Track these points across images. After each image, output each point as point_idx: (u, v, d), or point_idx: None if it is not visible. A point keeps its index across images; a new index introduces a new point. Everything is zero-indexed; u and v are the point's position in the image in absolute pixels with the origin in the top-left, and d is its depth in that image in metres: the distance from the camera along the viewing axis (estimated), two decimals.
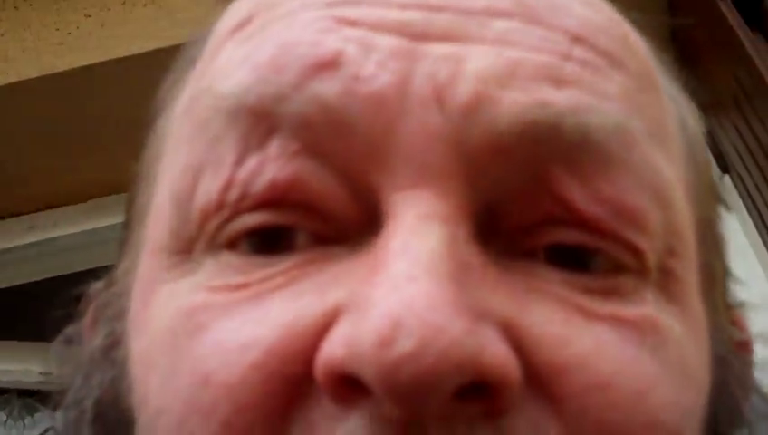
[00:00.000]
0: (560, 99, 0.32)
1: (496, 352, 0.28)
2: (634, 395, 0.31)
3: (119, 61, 1.58)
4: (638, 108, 0.35)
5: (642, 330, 0.32)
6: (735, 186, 1.53)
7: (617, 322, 0.32)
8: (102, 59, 1.58)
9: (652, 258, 0.33)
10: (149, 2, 1.62)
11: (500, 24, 0.33)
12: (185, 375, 0.31)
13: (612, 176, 0.33)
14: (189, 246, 0.34)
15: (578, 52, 0.34)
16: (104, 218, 1.68)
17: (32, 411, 1.98)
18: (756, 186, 1.42)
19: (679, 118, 0.40)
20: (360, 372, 0.28)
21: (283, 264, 0.32)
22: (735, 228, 1.52)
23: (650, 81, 0.37)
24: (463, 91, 0.31)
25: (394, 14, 0.33)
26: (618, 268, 0.33)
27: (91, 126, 1.62)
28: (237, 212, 0.33)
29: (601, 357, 0.31)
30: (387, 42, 0.32)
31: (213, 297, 0.32)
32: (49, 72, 1.59)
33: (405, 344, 0.27)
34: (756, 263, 1.47)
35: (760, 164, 1.37)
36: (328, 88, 0.32)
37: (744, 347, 0.42)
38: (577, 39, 0.34)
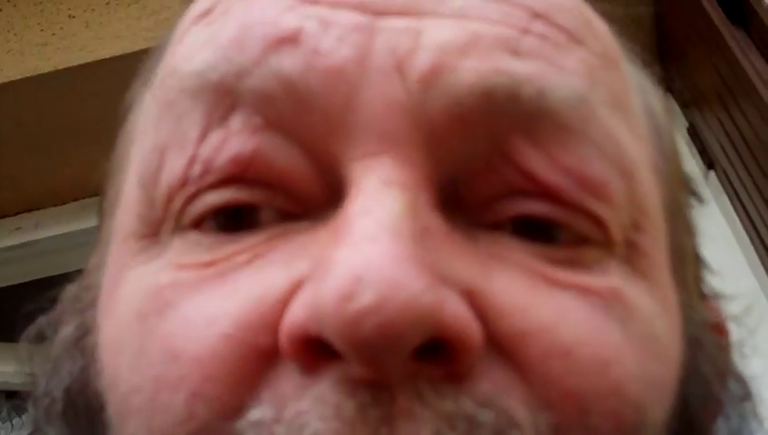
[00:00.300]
0: (518, 67, 0.32)
1: (456, 311, 0.28)
2: (597, 363, 0.31)
3: (103, 61, 1.57)
4: (599, 82, 0.35)
5: (607, 300, 0.32)
6: (720, 180, 1.53)
7: (581, 291, 0.32)
8: (87, 60, 1.58)
9: (617, 231, 0.34)
10: (133, 2, 1.62)
11: (459, 0, 0.34)
12: (154, 353, 0.32)
13: (572, 146, 0.33)
14: (156, 228, 0.35)
15: (537, 27, 0.34)
16: (88, 220, 1.68)
17: (20, 412, 1.97)
18: (741, 180, 1.42)
19: (644, 102, 0.40)
20: (323, 330, 0.28)
21: (249, 240, 0.32)
22: (720, 222, 1.52)
23: (612, 60, 0.37)
24: (422, 61, 0.32)
25: None
26: (582, 240, 0.33)
27: (75, 127, 1.62)
28: (201, 189, 0.33)
29: (565, 324, 0.31)
30: (346, 17, 0.33)
31: (180, 275, 0.33)
32: (33, 74, 1.58)
33: (364, 298, 0.27)
34: (741, 257, 1.48)
35: (744, 158, 1.38)
36: (288, 63, 0.32)
37: (718, 329, 0.42)
38: (537, 15, 0.34)
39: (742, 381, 0.43)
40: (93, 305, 0.38)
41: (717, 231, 1.51)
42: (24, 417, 1.96)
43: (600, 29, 0.37)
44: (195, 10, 0.37)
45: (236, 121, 0.33)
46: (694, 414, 0.38)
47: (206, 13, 0.36)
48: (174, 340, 0.31)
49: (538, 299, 0.31)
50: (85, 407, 0.37)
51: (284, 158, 0.32)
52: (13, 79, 1.58)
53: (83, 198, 1.73)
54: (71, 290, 0.43)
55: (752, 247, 1.45)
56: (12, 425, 1.99)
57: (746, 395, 0.43)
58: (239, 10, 0.35)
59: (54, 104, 1.62)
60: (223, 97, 0.33)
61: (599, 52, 0.36)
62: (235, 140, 0.32)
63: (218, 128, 0.33)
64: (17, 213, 1.81)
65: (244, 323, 0.30)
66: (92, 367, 0.37)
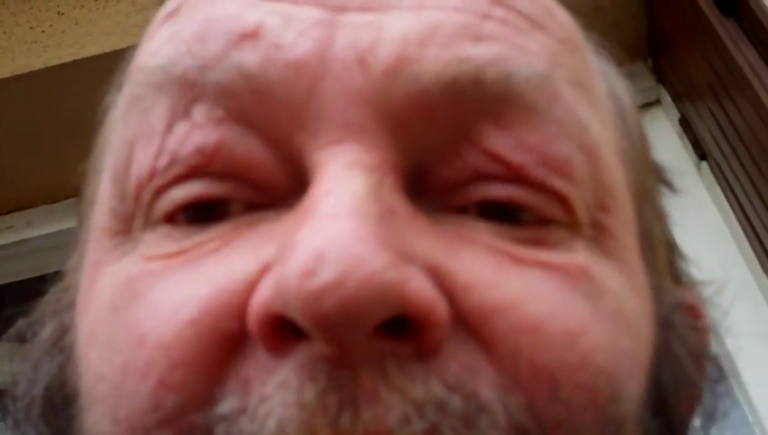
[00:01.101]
0: (480, 52, 0.33)
1: (420, 286, 0.28)
2: (565, 336, 0.31)
3: (93, 58, 1.57)
4: (561, 64, 0.35)
5: (573, 276, 0.32)
6: (713, 172, 1.54)
7: (547, 267, 0.32)
8: (76, 57, 1.57)
9: (582, 211, 0.34)
10: None
11: None
12: (121, 340, 0.32)
13: (536, 125, 0.33)
14: (128, 224, 0.35)
15: (497, 12, 0.34)
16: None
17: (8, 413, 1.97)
18: (733, 171, 1.42)
19: (609, 89, 0.40)
20: (287, 308, 0.28)
21: (217, 230, 0.33)
22: (713, 213, 1.53)
23: (573, 45, 0.37)
24: (385, 53, 0.32)
25: None
26: (547, 221, 0.33)
27: (66, 124, 1.61)
28: (169, 182, 0.33)
29: (531, 299, 0.31)
30: (307, 13, 0.33)
31: (149, 266, 0.33)
32: (23, 72, 1.58)
33: (326, 274, 0.27)
34: (734, 248, 1.48)
35: (736, 150, 1.38)
36: (249, 57, 0.33)
37: (693, 312, 0.42)
38: (496, 1, 0.35)
39: (716, 362, 0.43)
40: (72, 305, 0.39)
41: (710, 222, 1.52)
42: (10, 424, 1.95)
43: (561, 17, 0.38)
44: (164, 11, 0.38)
45: (199, 113, 0.33)
46: (667, 395, 0.38)
47: (174, 12, 0.37)
48: (141, 326, 0.31)
49: (504, 276, 0.31)
50: (63, 406, 0.37)
51: (248, 149, 0.33)
52: (2, 77, 1.57)
53: (75, 196, 1.72)
54: (51, 292, 0.43)
55: (744, 238, 1.45)
56: (6, 424, 1.98)
57: (721, 376, 0.43)
58: (203, 7, 0.35)
59: (45, 102, 1.61)
60: (186, 90, 0.33)
61: (560, 38, 0.36)
62: (199, 132, 0.33)
63: (182, 119, 0.33)
64: (8, 211, 1.80)
65: (211, 308, 0.30)
66: (70, 366, 0.37)
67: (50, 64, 1.57)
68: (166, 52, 0.35)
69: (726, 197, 1.50)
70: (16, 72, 1.58)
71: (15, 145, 1.68)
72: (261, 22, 0.33)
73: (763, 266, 1.38)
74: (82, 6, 1.64)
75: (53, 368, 0.39)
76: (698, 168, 1.57)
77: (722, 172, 1.49)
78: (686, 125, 1.60)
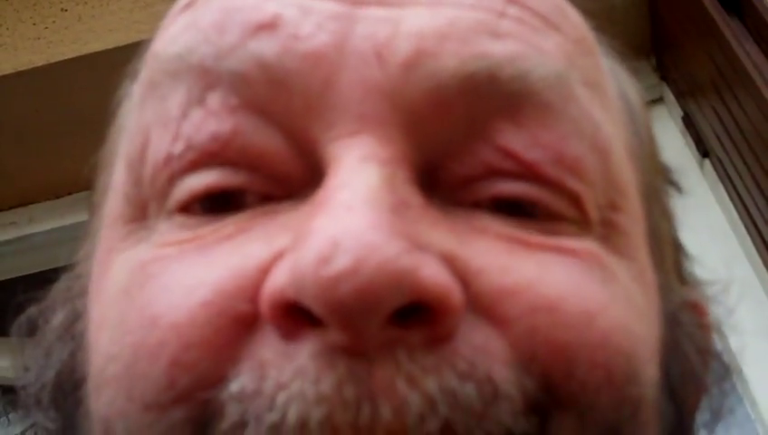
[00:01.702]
0: (497, 49, 0.33)
1: (434, 272, 0.29)
2: (583, 316, 0.31)
3: (96, 54, 1.57)
4: (576, 64, 0.35)
5: (587, 261, 0.33)
6: (715, 169, 1.53)
7: (561, 251, 0.33)
8: (80, 53, 1.57)
9: (592, 210, 0.34)
10: None
11: None
12: (133, 321, 0.32)
13: (551, 124, 0.33)
14: (143, 211, 0.35)
15: (513, 11, 0.34)
16: (83, 214, 1.67)
17: (16, 407, 1.97)
18: (736, 168, 1.42)
19: (619, 89, 0.41)
20: (302, 294, 0.28)
21: (233, 219, 0.33)
22: (716, 211, 1.53)
23: (587, 46, 0.37)
24: (403, 47, 0.32)
25: None
26: (558, 217, 0.33)
27: (69, 121, 1.61)
28: (184, 167, 0.33)
29: (547, 280, 0.31)
30: (325, 5, 0.33)
31: (163, 251, 0.33)
32: (26, 68, 1.58)
33: (342, 261, 0.27)
34: (737, 246, 1.48)
35: (739, 147, 1.38)
36: (266, 47, 0.33)
37: (698, 310, 0.42)
38: (512, 0, 0.35)
39: (722, 359, 0.44)
40: (84, 293, 0.39)
41: (713, 219, 1.52)
42: (20, 412, 1.95)
43: (574, 18, 0.38)
44: (180, 2, 0.38)
45: (213, 100, 0.33)
46: (676, 389, 0.38)
47: (191, 3, 0.37)
48: (153, 307, 0.31)
49: (518, 259, 0.32)
50: (73, 391, 0.38)
51: (263, 138, 0.33)
52: (6, 73, 1.57)
53: (77, 191, 1.73)
54: (62, 281, 0.43)
55: (747, 235, 1.45)
56: (8, 420, 1.98)
57: (727, 373, 0.44)
58: None
59: (48, 98, 1.61)
60: (202, 77, 0.34)
61: (574, 38, 0.36)
62: (214, 119, 0.33)
63: (197, 106, 0.34)
64: (11, 207, 1.80)
65: (224, 291, 0.30)
66: (81, 352, 0.37)
67: (53, 61, 1.57)
68: (183, 39, 0.35)
69: (729, 194, 1.49)
70: (20, 69, 1.58)
71: (18, 141, 1.68)
72: (279, 13, 0.33)
73: (765, 264, 1.38)
74: (86, 3, 1.64)
75: (65, 354, 0.39)
76: (701, 165, 1.57)
77: (725, 170, 1.49)
78: (689, 123, 1.60)
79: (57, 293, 0.43)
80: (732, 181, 1.47)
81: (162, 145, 0.34)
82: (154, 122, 0.35)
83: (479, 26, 0.33)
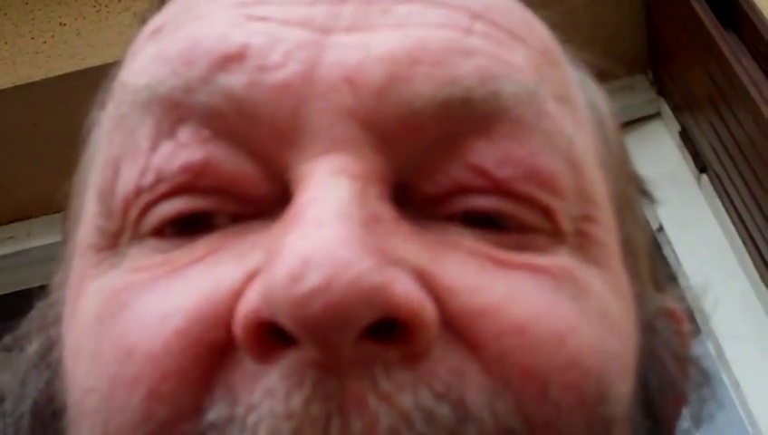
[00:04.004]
0: (469, 70, 0.33)
1: (406, 288, 0.29)
2: (552, 338, 0.31)
3: (95, 69, 1.57)
4: (545, 78, 0.35)
5: (558, 278, 0.33)
6: (713, 184, 1.53)
7: (531, 269, 0.33)
8: (78, 67, 1.57)
9: (565, 222, 0.34)
10: (124, 9, 1.61)
11: (402, 9, 0.34)
12: (108, 352, 0.32)
13: (523, 139, 0.34)
14: (115, 240, 0.35)
15: (479, 26, 0.35)
16: None
17: None
18: (733, 183, 1.42)
19: (587, 98, 0.41)
20: (275, 313, 0.28)
21: (204, 241, 0.33)
22: (713, 226, 1.53)
23: (553, 57, 0.38)
24: (374, 72, 0.32)
25: (301, 10, 0.34)
26: (530, 229, 0.34)
27: (67, 135, 1.61)
28: (155, 199, 0.33)
29: (516, 302, 0.31)
30: (294, 34, 0.33)
31: (135, 277, 0.33)
32: (24, 82, 1.58)
33: (313, 278, 0.27)
34: (734, 260, 1.48)
35: (736, 162, 1.38)
36: (234, 80, 0.33)
37: (674, 317, 0.42)
38: (477, 16, 0.35)
39: (701, 366, 0.44)
40: (58, 320, 0.39)
41: (710, 234, 1.52)
42: None
43: (539, 30, 0.38)
44: (148, 28, 0.38)
45: (185, 134, 0.33)
46: (653, 398, 0.38)
47: (157, 31, 0.37)
48: (128, 338, 0.31)
49: (489, 279, 0.31)
50: (52, 420, 0.37)
51: (234, 165, 0.33)
52: (4, 87, 1.57)
53: None
54: (37, 309, 0.43)
55: (744, 250, 1.45)
56: None
57: (706, 379, 0.44)
58: (188, 26, 0.35)
59: (46, 112, 1.61)
60: (171, 110, 0.33)
61: (540, 49, 0.37)
62: (185, 151, 0.33)
63: (168, 139, 0.33)
64: (9, 222, 1.80)
65: (197, 318, 0.30)
66: (57, 380, 0.37)
67: (51, 75, 1.57)
68: (150, 71, 0.35)
69: (726, 209, 1.49)
70: (18, 83, 1.58)
71: (16, 155, 1.67)
72: (246, 43, 0.33)
73: (763, 278, 1.38)
74: (84, 17, 1.64)
75: (41, 383, 0.39)
76: (698, 180, 1.57)
77: (722, 185, 1.49)
78: (686, 138, 1.60)
79: (31, 321, 0.43)
80: (729, 196, 1.47)
81: (131, 177, 0.34)
82: (123, 155, 0.35)
83: (448, 46, 0.33)
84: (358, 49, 0.33)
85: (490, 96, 0.33)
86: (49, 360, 0.39)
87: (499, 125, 0.33)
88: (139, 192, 0.34)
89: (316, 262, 0.27)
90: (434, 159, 0.33)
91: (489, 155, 0.33)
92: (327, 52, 0.33)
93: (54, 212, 1.78)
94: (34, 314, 0.43)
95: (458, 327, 0.30)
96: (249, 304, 0.29)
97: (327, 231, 0.28)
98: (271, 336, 0.29)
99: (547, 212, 0.34)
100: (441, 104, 0.32)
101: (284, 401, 0.28)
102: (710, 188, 1.54)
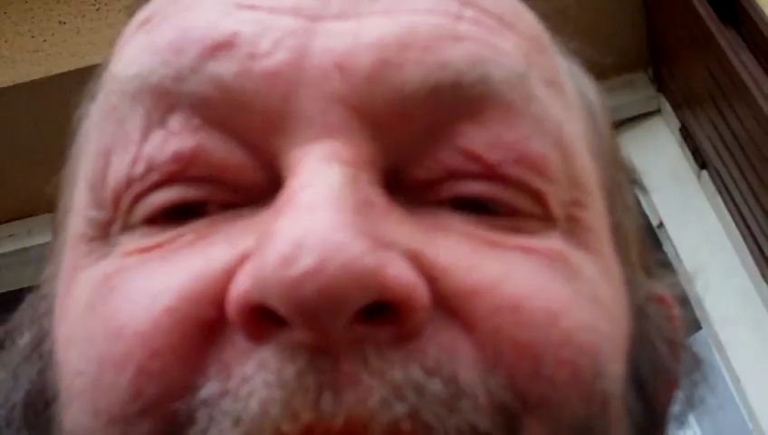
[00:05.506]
0: (458, 55, 0.33)
1: (399, 271, 0.29)
2: (546, 315, 0.31)
3: (95, 67, 1.56)
4: (535, 63, 0.36)
5: (551, 259, 0.33)
6: (713, 181, 1.53)
7: (524, 250, 0.33)
8: (78, 66, 1.57)
9: (556, 206, 0.34)
10: (124, 8, 1.61)
11: None
12: (98, 334, 0.32)
13: (513, 123, 0.34)
14: (106, 230, 0.35)
15: (469, 13, 0.35)
16: None
17: None
18: (733, 180, 1.42)
19: (576, 85, 0.41)
20: (267, 296, 0.28)
21: (194, 225, 0.33)
22: (713, 222, 1.53)
23: (542, 44, 0.38)
24: (364, 58, 0.32)
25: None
26: (521, 213, 0.34)
27: (68, 133, 1.61)
28: (146, 189, 0.33)
29: (510, 280, 0.31)
30: (283, 21, 0.33)
31: (125, 261, 0.33)
32: (25, 80, 1.58)
33: (306, 261, 0.27)
34: (735, 257, 1.48)
35: (737, 159, 1.38)
36: (224, 68, 0.33)
37: (665, 302, 0.43)
38: (466, 2, 0.35)
39: (692, 351, 0.44)
40: (49, 312, 0.39)
41: (710, 230, 1.52)
42: None
43: (528, 17, 0.38)
44: (135, 20, 0.38)
45: (175, 123, 0.33)
46: (646, 383, 0.38)
47: (146, 21, 0.37)
48: (117, 318, 0.31)
49: (482, 258, 0.32)
50: (44, 411, 0.37)
51: (225, 153, 0.33)
52: (4, 86, 1.57)
53: None
54: (27, 301, 0.43)
55: (744, 246, 1.45)
56: None
57: (697, 364, 0.44)
58: (177, 16, 0.35)
59: (47, 111, 1.61)
60: (161, 99, 0.34)
61: (529, 36, 0.37)
62: (176, 139, 0.33)
63: (158, 128, 0.33)
64: (9, 220, 1.80)
65: (188, 296, 0.30)
66: (49, 371, 0.37)
67: (51, 73, 1.57)
68: (140, 61, 0.35)
69: (727, 205, 1.49)
70: (18, 81, 1.58)
71: (17, 154, 1.68)
72: (236, 31, 0.33)
73: (763, 275, 1.38)
74: (84, 16, 1.64)
75: (33, 374, 0.39)
76: (699, 176, 1.57)
77: (722, 181, 1.49)
78: (686, 134, 1.60)
79: (23, 314, 0.43)
80: (729, 192, 1.47)
81: (122, 167, 0.34)
82: (113, 145, 0.35)
83: (438, 31, 0.33)
84: (347, 36, 0.33)
85: (479, 80, 0.33)
86: (41, 351, 0.39)
87: (489, 110, 0.33)
88: (130, 182, 0.34)
89: (309, 245, 0.27)
90: (424, 145, 0.33)
91: (480, 140, 0.33)
92: (317, 39, 0.33)
93: (55, 210, 1.78)
94: (26, 306, 0.43)
95: (452, 306, 0.30)
96: (241, 286, 0.29)
97: (319, 215, 0.28)
98: (263, 317, 0.29)
99: (538, 196, 0.34)
100: (431, 89, 0.32)
101: (277, 372, 0.28)
102: (710, 184, 1.54)
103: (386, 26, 0.33)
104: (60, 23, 1.64)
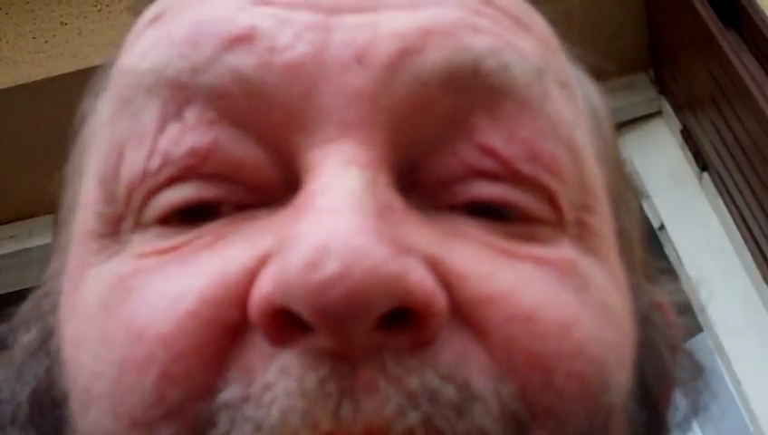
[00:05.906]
0: (479, 42, 0.33)
1: (421, 278, 0.29)
2: (558, 326, 0.31)
3: (96, 69, 1.57)
4: (550, 63, 0.36)
5: (562, 270, 0.33)
6: (714, 183, 1.53)
7: (537, 261, 0.33)
8: (80, 67, 1.57)
9: (568, 209, 0.34)
10: (125, 9, 1.61)
11: None
12: (117, 336, 0.31)
13: (528, 120, 0.34)
14: (117, 226, 0.34)
15: (486, 10, 0.35)
16: None
17: None
18: (734, 182, 1.42)
19: (582, 90, 0.41)
20: (291, 300, 0.28)
21: (210, 227, 0.33)
22: (714, 224, 1.53)
23: (554, 46, 0.38)
24: (384, 48, 0.32)
25: None
26: (534, 219, 0.34)
27: (69, 134, 1.61)
28: (161, 183, 0.33)
29: (525, 290, 0.31)
30: (301, 16, 0.33)
31: (142, 263, 0.33)
32: (26, 81, 1.58)
33: (331, 266, 0.27)
34: (735, 258, 1.48)
35: (738, 161, 1.38)
36: (244, 60, 0.32)
37: (663, 309, 0.43)
38: (485, 1, 0.35)
39: (694, 357, 0.44)
40: (55, 310, 0.38)
41: (711, 232, 1.52)
42: None
43: (539, 20, 0.39)
44: (146, 16, 0.38)
45: (191, 115, 0.33)
46: (650, 389, 0.39)
47: (158, 17, 0.36)
48: (138, 320, 0.31)
49: (497, 267, 0.32)
50: (51, 409, 0.37)
51: (242, 150, 0.33)
52: (5, 87, 1.57)
53: None
54: (30, 299, 0.43)
55: (746, 249, 1.45)
56: None
57: (700, 371, 0.44)
58: (191, 11, 0.35)
59: (47, 112, 1.61)
60: (177, 92, 0.33)
61: (542, 38, 0.37)
62: (192, 134, 0.33)
63: (174, 121, 0.33)
64: (10, 221, 1.80)
65: (211, 299, 0.30)
66: (56, 369, 0.37)
67: (53, 74, 1.57)
68: (155, 54, 0.34)
69: (728, 207, 1.49)
70: (19, 82, 1.58)
71: (18, 154, 1.68)
72: (254, 25, 0.33)
73: (764, 277, 1.38)
74: (85, 17, 1.64)
75: (40, 371, 0.38)
76: (700, 178, 1.57)
77: (723, 183, 1.49)
78: (687, 136, 1.60)
79: (27, 311, 0.42)
80: (730, 194, 1.47)
81: (137, 161, 0.34)
82: (128, 138, 0.34)
83: (459, 21, 0.34)
84: (366, 28, 0.33)
85: (500, 68, 0.33)
86: (47, 348, 0.38)
87: (506, 104, 0.33)
88: (144, 176, 0.33)
89: (333, 250, 0.27)
90: (443, 138, 0.33)
91: (496, 134, 0.33)
92: (335, 32, 0.33)
93: (56, 211, 1.78)
94: (28, 304, 0.42)
95: (466, 313, 0.31)
96: (264, 289, 0.29)
97: (342, 219, 0.28)
98: (285, 321, 0.29)
99: (550, 196, 0.34)
100: (451, 72, 0.32)
101: (299, 380, 0.28)
102: (711, 186, 1.54)
103: (406, 19, 0.33)
104: (61, 24, 1.64)
